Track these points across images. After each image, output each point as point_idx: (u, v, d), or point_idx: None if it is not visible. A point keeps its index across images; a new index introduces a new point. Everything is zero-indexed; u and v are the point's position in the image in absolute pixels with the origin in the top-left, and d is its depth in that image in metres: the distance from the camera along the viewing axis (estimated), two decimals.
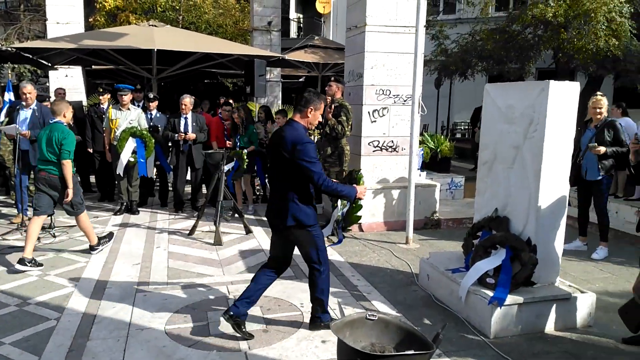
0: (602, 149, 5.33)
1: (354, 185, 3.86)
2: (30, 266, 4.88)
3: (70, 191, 5.06)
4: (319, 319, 3.70)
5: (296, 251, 5.40)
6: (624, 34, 10.34)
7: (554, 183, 3.85)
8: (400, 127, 6.72)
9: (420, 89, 5.98)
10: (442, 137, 9.46)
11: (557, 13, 10.46)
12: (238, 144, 7.32)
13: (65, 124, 5.21)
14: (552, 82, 3.75)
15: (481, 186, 4.48)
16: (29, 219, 6.59)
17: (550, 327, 3.79)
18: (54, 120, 5.19)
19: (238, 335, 3.54)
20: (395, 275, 4.92)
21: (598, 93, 5.73)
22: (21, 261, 4.85)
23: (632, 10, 10.60)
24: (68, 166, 5.00)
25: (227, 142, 7.54)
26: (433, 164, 8.82)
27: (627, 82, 12.05)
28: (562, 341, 3.64)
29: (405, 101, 6.68)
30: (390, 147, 6.73)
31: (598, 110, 5.51)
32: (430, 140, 9.06)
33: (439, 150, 8.83)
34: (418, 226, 6.42)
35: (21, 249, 5.56)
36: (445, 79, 15.50)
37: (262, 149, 7.46)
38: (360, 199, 3.71)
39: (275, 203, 3.58)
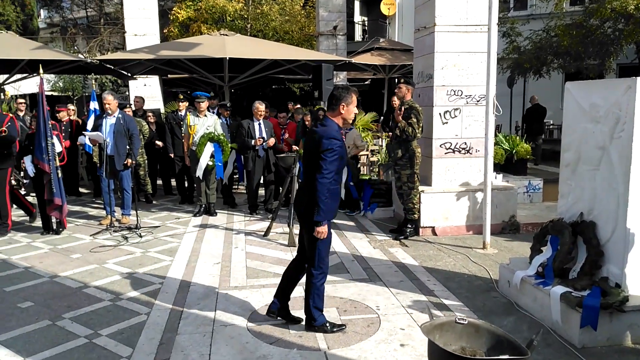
0: None
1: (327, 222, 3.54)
2: None
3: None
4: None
5: (369, 254, 5.42)
6: None
7: None
8: (474, 128, 6.58)
9: (494, 89, 5.83)
10: (518, 137, 9.12)
11: None
12: None
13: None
14: (639, 79, 3.56)
15: (564, 189, 4.30)
16: (117, 220, 7.08)
17: None
18: None
19: (317, 333, 3.65)
20: (474, 281, 4.81)
21: None
22: None
23: None
24: None
25: (294, 146, 7.73)
26: (508, 166, 8.53)
27: None
28: None
29: (478, 101, 6.54)
30: (463, 148, 6.60)
31: None
32: (505, 141, 8.77)
33: (514, 151, 8.52)
34: (495, 230, 6.26)
35: (110, 247, 5.98)
36: (518, 77, 14.98)
37: None
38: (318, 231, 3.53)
39: (304, 195, 3.66)
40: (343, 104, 3.58)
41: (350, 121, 3.82)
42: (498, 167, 8.07)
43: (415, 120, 6.12)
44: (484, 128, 5.94)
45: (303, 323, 3.82)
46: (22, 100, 9.95)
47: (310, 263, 3.68)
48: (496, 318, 3.96)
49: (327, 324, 3.72)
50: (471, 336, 2.12)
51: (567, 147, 4.25)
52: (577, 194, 4.12)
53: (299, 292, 4.41)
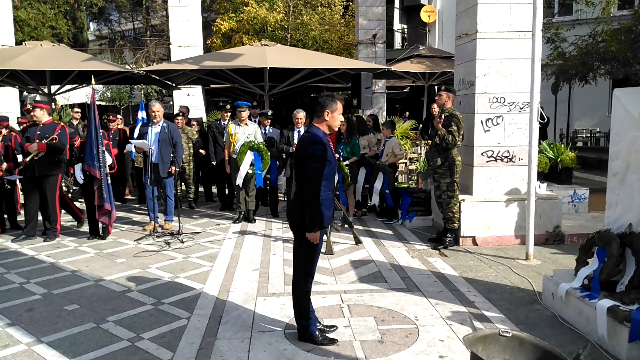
0: None
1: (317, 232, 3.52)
2: None
3: None
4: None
5: (408, 263, 5.35)
6: None
7: None
8: (517, 136, 6.43)
9: (538, 96, 5.69)
10: (562, 145, 8.85)
11: None
12: (341, 153, 7.47)
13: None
14: None
15: (612, 199, 4.14)
16: (160, 226, 7.27)
17: None
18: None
19: (355, 342, 3.62)
20: (516, 293, 4.68)
21: None
22: None
23: None
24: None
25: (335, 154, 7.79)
26: (553, 174, 8.28)
27: None
28: None
29: (521, 109, 6.39)
30: (506, 157, 6.46)
31: None
32: (549, 149, 8.52)
33: (559, 160, 8.27)
34: (538, 241, 6.08)
35: (153, 253, 6.14)
36: (563, 84, 14.57)
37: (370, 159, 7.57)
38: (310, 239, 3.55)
39: (296, 204, 3.62)
40: (328, 110, 3.59)
41: (336, 128, 3.82)
42: (542, 176, 7.85)
43: (455, 128, 6.03)
44: (527, 136, 5.80)
45: (338, 330, 3.83)
46: (77, 110, 10.40)
47: (297, 271, 3.74)
48: (539, 331, 3.84)
49: (318, 334, 3.71)
50: (515, 349, 2.07)
51: (615, 156, 4.10)
52: (625, 204, 3.96)
53: (331, 300, 4.39)
